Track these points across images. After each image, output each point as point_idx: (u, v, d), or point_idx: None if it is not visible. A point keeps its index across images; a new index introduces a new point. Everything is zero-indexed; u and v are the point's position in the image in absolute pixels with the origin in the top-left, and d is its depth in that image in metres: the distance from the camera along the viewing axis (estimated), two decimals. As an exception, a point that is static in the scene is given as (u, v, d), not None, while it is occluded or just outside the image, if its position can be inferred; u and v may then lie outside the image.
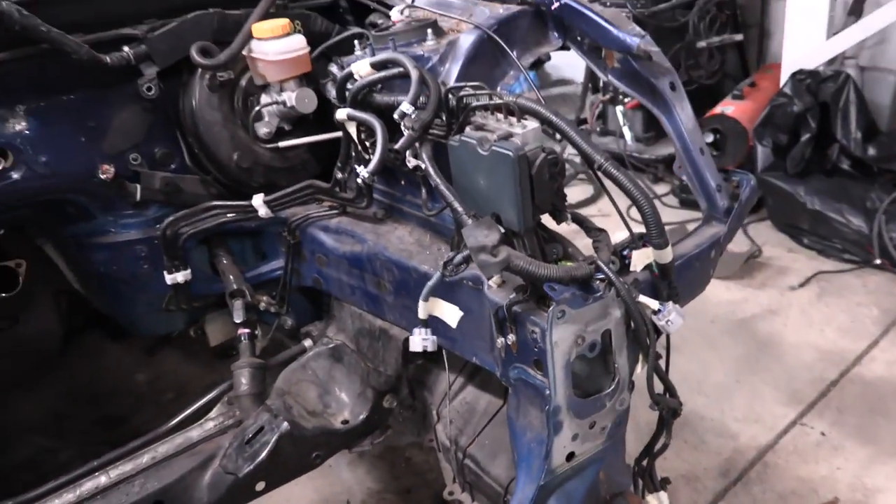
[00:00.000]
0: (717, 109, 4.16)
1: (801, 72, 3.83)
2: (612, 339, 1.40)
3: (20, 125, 1.67)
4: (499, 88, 1.63)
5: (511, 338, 1.41)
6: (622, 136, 4.63)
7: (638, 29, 1.53)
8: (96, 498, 1.72)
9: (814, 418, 2.79)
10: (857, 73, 3.90)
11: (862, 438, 2.66)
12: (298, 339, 2.13)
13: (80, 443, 2.39)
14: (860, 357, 3.08)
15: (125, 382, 2.84)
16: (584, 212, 1.49)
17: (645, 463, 1.67)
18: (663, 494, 1.67)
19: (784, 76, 3.91)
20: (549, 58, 1.63)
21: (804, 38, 3.92)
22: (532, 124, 1.36)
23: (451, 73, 1.61)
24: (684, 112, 1.64)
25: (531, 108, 1.38)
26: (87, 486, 1.75)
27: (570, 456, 1.45)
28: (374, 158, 1.51)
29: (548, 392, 1.37)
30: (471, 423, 1.78)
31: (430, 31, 1.67)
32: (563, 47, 1.71)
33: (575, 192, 4.64)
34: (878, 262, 3.55)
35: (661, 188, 4.66)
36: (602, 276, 1.35)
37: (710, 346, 3.26)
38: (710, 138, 4.17)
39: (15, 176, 1.68)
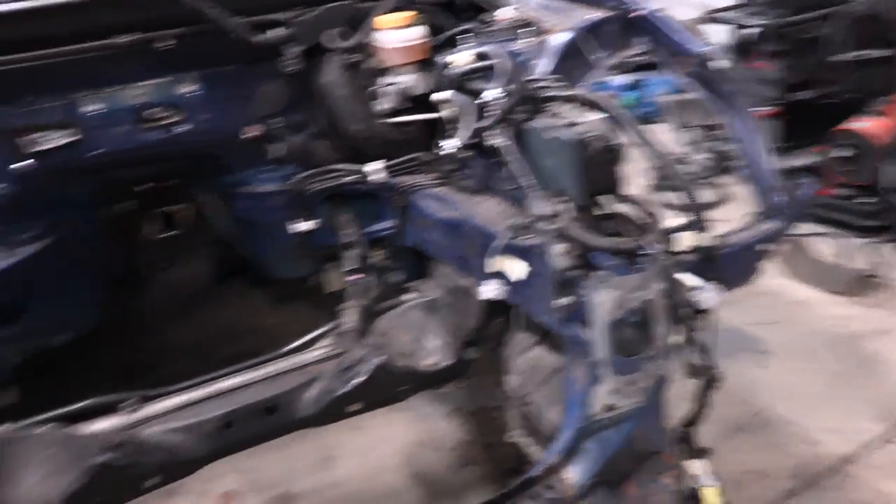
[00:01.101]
0: (851, 125, 4.07)
1: (946, 91, 3.70)
2: (653, 308, 1.59)
3: (190, 88, 2.07)
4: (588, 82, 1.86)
5: (567, 299, 1.63)
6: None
7: (707, 40, 1.70)
8: (221, 397, 2.11)
9: (904, 437, 2.78)
10: None
11: (953, 463, 2.64)
12: (402, 293, 2.44)
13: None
14: (968, 386, 3.01)
15: (258, 324, 3.26)
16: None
17: (685, 430, 1.84)
18: (699, 462, 1.83)
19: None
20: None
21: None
22: (597, 116, 1.58)
23: (542, 67, 1.84)
24: (746, 116, 1.79)
25: (597, 101, 1.59)
26: (215, 386, 2.13)
27: (609, 408, 1.66)
28: (462, 135, 1.77)
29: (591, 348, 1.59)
30: (536, 376, 2.00)
31: (528, 29, 1.91)
32: (646, 52, 1.89)
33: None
34: None
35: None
36: (647, 252, 1.55)
37: (809, 356, 3.27)
38: (844, 153, 4.09)
39: (182, 129, 2.08)
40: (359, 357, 2.16)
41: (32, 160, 1.92)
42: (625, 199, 1.64)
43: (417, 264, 2.42)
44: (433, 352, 2.25)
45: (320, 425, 2.17)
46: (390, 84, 2.11)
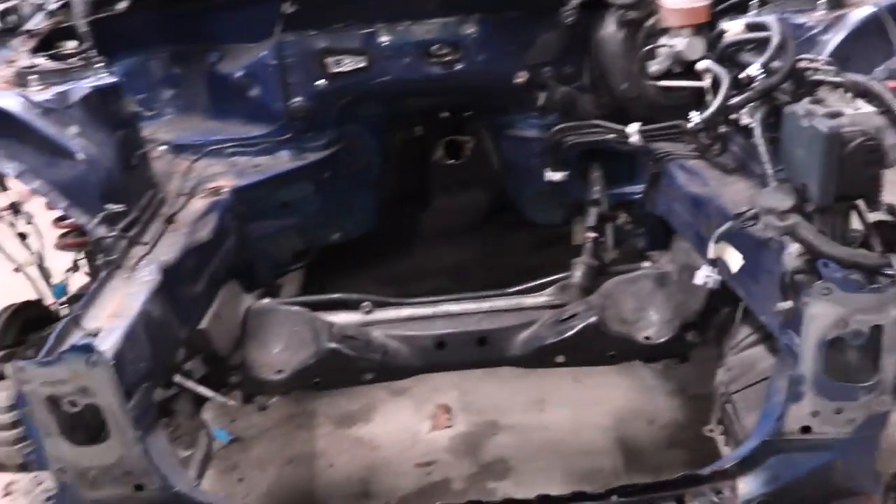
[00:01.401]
0: None
1: None
2: (883, 336, 1.40)
3: (470, 30, 2.20)
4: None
5: (789, 304, 1.50)
6: None
7: None
8: (443, 318, 2.29)
9: None
10: None
11: None
12: (639, 259, 2.39)
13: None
14: None
15: (517, 261, 3.39)
16: None
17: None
18: (914, 519, 1.60)
19: None
20: None
21: None
22: (867, 108, 1.39)
23: (830, 44, 1.65)
24: None
25: (873, 91, 1.40)
26: (442, 307, 2.32)
27: (806, 430, 1.52)
28: (710, 109, 1.66)
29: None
30: (746, 375, 1.86)
31: (825, 1, 1.71)
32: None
33: None
34: None
35: None
36: (891, 272, 1.36)
37: None
38: None
39: (459, 67, 2.23)
40: (576, 312, 2.20)
41: (328, 80, 2.20)
42: (882, 207, 1.44)
43: (661, 234, 2.35)
44: (652, 325, 2.20)
45: (524, 367, 2.27)
46: (665, 46, 2.03)
